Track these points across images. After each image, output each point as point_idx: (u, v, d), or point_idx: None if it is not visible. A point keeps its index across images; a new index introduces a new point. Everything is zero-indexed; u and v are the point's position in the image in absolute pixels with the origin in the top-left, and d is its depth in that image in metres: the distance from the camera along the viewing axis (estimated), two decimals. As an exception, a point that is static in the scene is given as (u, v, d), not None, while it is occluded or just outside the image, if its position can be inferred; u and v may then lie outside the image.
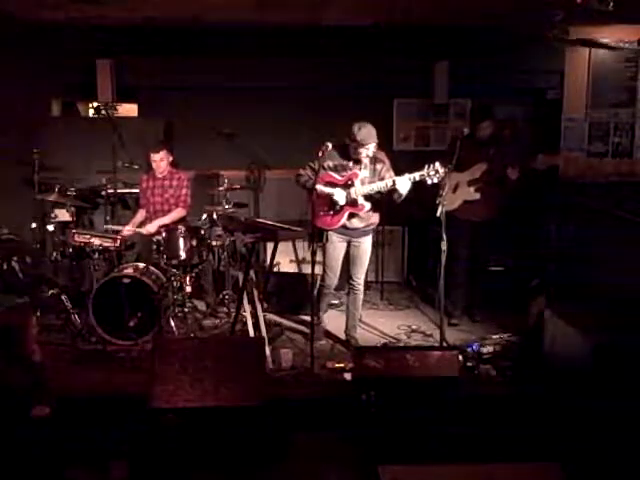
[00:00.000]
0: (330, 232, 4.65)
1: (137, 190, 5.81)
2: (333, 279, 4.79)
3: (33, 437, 3.33)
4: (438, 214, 4.82)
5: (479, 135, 5.09)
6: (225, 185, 6.07)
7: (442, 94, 7.00)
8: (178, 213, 5.52)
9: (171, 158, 5.61)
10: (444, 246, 4.49)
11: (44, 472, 3.10)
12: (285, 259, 6.22)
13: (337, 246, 4.68)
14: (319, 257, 4.53)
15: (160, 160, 5.50)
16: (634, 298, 4.06)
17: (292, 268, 6.21)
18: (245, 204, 6.21)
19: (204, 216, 5.53)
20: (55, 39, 6.52)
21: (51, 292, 5.23)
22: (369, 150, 4.46)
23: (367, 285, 6.42)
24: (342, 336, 4.95)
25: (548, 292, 4.77)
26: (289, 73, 6.88)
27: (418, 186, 5.15)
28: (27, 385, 3.63)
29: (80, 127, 6.80)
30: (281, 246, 5.65)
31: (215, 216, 5.47)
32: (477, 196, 5.11)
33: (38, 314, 5.03)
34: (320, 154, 4.38)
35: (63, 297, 5.09)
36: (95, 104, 6.96)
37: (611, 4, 4.54)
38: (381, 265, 6.37)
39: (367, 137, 4.40)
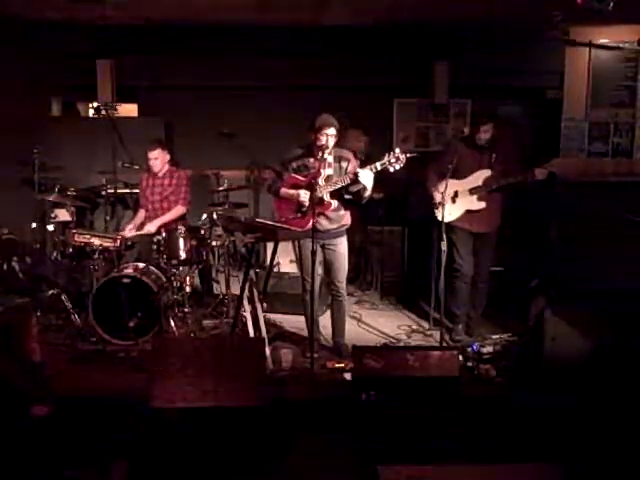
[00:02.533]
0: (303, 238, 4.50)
1: (137, 190, 5.81)
2: (313, 285, 4.57)
3: (33, 437, 3.33)
4: (440, 218, 4.70)
5: (479, 137, 4.77)
6: (225, 185, 6.07)
7: (442, 94, 7.01)
8: (177, 211, 5.51)
9: (168, 156, 5.60)
10: (444, 246, 4.47)
11: (44, 472, 3.10)
12: (285, 259, 6.22)
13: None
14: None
15: (155, 158, 5.49)
16: (634, 298, 4.06)
17: (292, 268, 6.21)
18: (245, 204, 6.21)
19: (204, 216, 5.52)
20: (55, 39, 6.53)
21: (51, 292, 5.23)
22: (329, 137, 4.31)
23: (367, 285, 6.53)
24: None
25: (548, 292, 4.76)
26: (289, 73, 6.88)
27: (416, 188, 5.19)
28: (27, 385, 3.63)
29: (80, 127, 6.82)
30: (281, 246, 5.65)
31: (215, 216, 5.46)
32: (482, 205, 4.78)
33: (38, 314, 5.02)
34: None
35: (63, 297, 5.09)
36: (95, 104, 6.97)
37: (611, 4, 4.54)
38: (381, 265, 6.38)
39: (324, 122, 4.30)
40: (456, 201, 4.84)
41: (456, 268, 4.84)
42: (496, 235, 4.97)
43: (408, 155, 4.23)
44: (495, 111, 5.07)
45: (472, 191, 4.82)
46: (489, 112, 4.92)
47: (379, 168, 4.25)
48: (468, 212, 4.84)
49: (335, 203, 4.43)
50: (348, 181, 4.31)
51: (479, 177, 4.80)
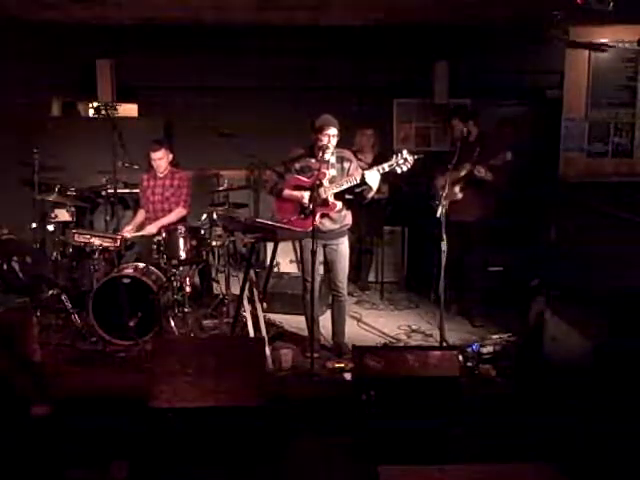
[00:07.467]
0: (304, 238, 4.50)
1: (137, 190, 5.81)
2: (313, 285, 4.54)
3: (33, 437, 3.33)
4: (438, 215, 4.82)
5: (468, 139, 5.04)
6: (225, 185, 6.07)
7: (442, 94, 7.00)
8: (178, 213, 5.51)
9: (171, 156, 5.60)
10: (444, 246, 4.48)
11: (44, 472, 3.10)
12: (285, 259, 6.22)
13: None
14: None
15: (160, 159, 5.49)
16: (634, 298, 4.06)
17: (292, 268, 6.21)
18: (245, 204, 6.21)
19: (204, 216, 5.52)
20: (55, 39, 6.53)
21: (51, 292, 5.22)
22: (331, 137, 4.31)
23: (367, 285, 6.53)
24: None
25: (548, 292, 4.76)
26: (289, 73, 6.89)
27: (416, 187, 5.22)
28: (27, 385, 3.63)
29: (80, 127, 6.81)
30: (281, 246, 5.65)
31: (215, 216, 5.46)
32: (459, 196, 5.05)
33: (38, 314, 5.03)
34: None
35: (63, 297, 5.08)
36: (95, 104, 6.97)
37: (611, 4, 4.54)
38: (381, 265, 6.37)
39: (325, 122, 4.31)
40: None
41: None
42: (479, 227, 5.12)
43: (416, 157, 4.28)
44: (469, 108, 5.33)
45: (454, 182, 5.03)
46: (462, 108, 5.25)
47: (387, 169, 4.28)
48: (451, 203, 4.96)
49: (339, 204, 4.45)
50: (355, 182, 4.33)
51: (461, 169, 5.02)
